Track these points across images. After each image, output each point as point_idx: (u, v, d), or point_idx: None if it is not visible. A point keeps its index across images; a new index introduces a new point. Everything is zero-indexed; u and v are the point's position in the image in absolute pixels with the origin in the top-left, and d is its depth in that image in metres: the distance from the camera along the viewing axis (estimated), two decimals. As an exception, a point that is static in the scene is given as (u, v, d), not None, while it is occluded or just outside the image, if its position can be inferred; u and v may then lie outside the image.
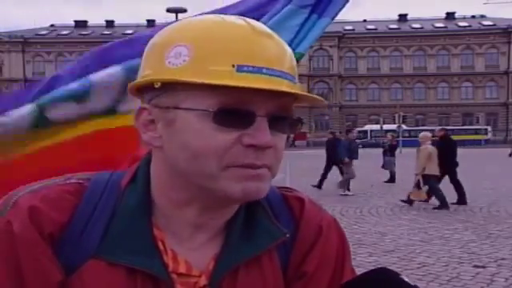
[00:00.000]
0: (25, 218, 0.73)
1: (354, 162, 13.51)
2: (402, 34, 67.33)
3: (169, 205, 0.78)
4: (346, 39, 66.99)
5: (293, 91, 0.73)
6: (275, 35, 0.77)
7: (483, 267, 5.94)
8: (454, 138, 13.62)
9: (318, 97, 0.77)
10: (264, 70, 0.71)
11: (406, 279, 0.77)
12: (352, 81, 67.63)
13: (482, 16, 70.65)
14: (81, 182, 0.81)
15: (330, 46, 65.81)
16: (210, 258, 0.80)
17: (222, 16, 0.77)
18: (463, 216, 9.45)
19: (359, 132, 57.01)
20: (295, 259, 0.84)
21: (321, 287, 0.83)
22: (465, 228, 8.29)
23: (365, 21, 71.69)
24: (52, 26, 72.21)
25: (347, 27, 68.16)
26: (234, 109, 0.70)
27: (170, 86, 0.72)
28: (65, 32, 69.15)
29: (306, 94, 0.75)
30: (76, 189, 0.79)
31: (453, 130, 57.09)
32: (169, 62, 0.72)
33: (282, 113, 0.74)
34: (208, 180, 0.73)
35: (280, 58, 0.74)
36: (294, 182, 15.04)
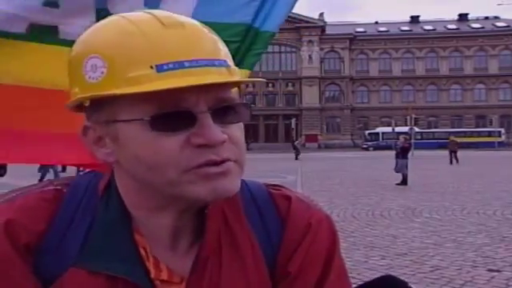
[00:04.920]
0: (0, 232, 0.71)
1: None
2: (414, 36, 66.97)
3: (143, 214, 0.75)
4: (358, 41, 66.75)
5: (218, 81, 0.67)
6: (188, 21, 0.71)
7: (498, 271, 5.85)
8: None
9: (249, 79, 0.73)
10: (186, 64, 0.66)
11: None
12: (363, 83, 67.34)
13: (496, 17, 70.03)
14: (59, 188, 0.78)
15: (342, 48, 65.65)
16: (191, 264, 0.76)
17: (124, 16, 0.72)
18: (476, 219, 9.34)
19: (370, 134, 57.22)
20: (282, 259, 0.81)
21: (307, 287, 0.80)
22: (478, 231, 8.19)
23: (376, 23, 71.39)
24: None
25: (358, 29, 67.97)
26: (169, 112, 0.66)
27: (100, 101, 0.69)
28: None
29: (234, 79, 0.70)
30: (54, 196, 0.77)
31: (465, 132, 57.00)
32: (89, 77, 0.68)
33: (224, 102, 0.70)
34: (171, 187, 0.69)
35: (200, 45, 0.69)
36: (306, 184, 14.99)
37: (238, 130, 0.72)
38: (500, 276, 5.67)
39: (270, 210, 0.83)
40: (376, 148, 51.67)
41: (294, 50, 63.75)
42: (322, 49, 64.35)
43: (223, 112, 0.70)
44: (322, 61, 64.98)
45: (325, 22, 64.88)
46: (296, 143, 34.98)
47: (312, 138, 60.98)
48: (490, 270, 5.89)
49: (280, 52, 63.68)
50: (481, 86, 65.84)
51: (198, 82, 0.65)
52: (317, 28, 63.07)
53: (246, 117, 0.74)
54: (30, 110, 1.32)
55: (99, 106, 0.70)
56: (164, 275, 0.75)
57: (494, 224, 8.81)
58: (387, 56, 67.38)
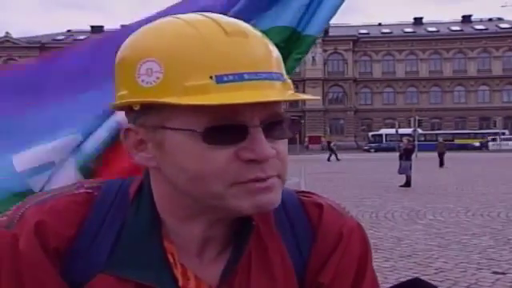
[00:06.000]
0: (30, 233, 0.70)
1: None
2: (418, 38, 66.87)
3: (175, 221, 0.74)
4: (361, 43, 66.70)
5: (282, 99, 0.67)
6: (250, 30, 0.69)
7: (503, 274, 5.82)
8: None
9: (309, 97, 0.71)
10: (246, 76, 0.64)
11: None
12: (367, 85, 67.28)
13: (499, 19, 69.83)
14: (90, 191, 0.77)
15: (345, 50, 65.62)
16: (219, 272, 0.75)
17: (183, 18, 0.69)
18: (481, 221, 9.30)
19: (373, 136, 57.10)
20: (313, 268, 0.79)
21: None
22: (483, 233, 8.15)
23: (380, 24, 71.33)
24: (69, 31, 72.97)
25: (362, 31, 67.93)
26: (222, 125, 0.65)
27: (149, 106, 0.67)
28: (81, 37, 69.56)
29: (297, 98, 0.69)
30: (85, 199, 0.76)
31: (469, 133, 56.88)
32: (142, 81, 0.66)
33: (275, 118, 0.69)
34: (215, 199, 0.68)
35: (261, 56, 0.67)
36: (309, 186, 14.96)
37: (284, 146, 0.71)
38: (505, 278, 5.64)
39: (301, 219, 0.82)
40: (377, 150, 51.59)
41: (297, 51, 63.60)
42: (325, 50, 64.29)
43: (273, 127, 0.68)
44: (325, 62, 64.97)
45: (328, 24, 64.80)
46: (332, 145, 35.52)
47: (315, 140, 60.91)
48: (495, 273, 5.86)
49: (283, 54, 63.62)
50: (484, 87, 65.71)
51: (258, 97, 0.64)
52: (320, 30, 62.98)
53: (294, 132, 0.72)
54: None
55: (148, 111, 0.68)
56: (192, 284, 0.74)
57: (499, 226, 8.76)
58: (391, 58, 67.32)
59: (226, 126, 0.65)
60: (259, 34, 0.71)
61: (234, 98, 0.62)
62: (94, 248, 0.73)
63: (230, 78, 0.63)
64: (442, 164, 24.70)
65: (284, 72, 0.71)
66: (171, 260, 0.74)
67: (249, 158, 0.65)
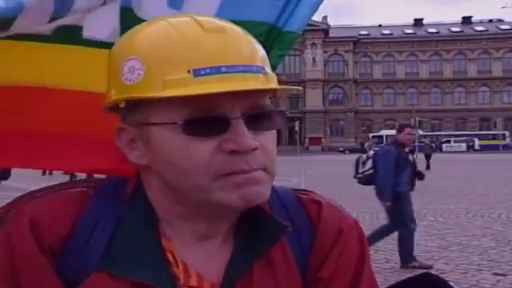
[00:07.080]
0: (25, 231, 0.70)
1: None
2: (418, 39, 66.96)
3: (172, 218, 0.75)
4: (361, 44, 66.78)
5: (256, 87, 0.68)
6: (229, 26, 0.71)
7: (503, 275, 5.79)
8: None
9: (288, 87, 0.73)
10: (223, 69, 0.66)
11: (456, 287, 0.74)
12: (367, 86, 67.35)
13: (500, 20, 69.89)
14: (85, 190, 0.77)
15: (345, 51, 65.69)
16: (220, 268, 0.75)
17: (166, 18, 0.73)
18: (481, 222, 9.28)
19: (374, 137, 57.14)
20: (314, 264, 0.79)
21: None
22: (483, 234, 8.13)
23: (380, 26, 71.38)
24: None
25: (362, 32, 67.99)
26: (202, 117, 0.66)
27: (135, 103, 0.69)
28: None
29: (273, 87, 0.70)
30: (80, 197, 0.76)
31: (469, 135, 56.91)
32: (126, 79, 0.69)
33: (258, 109, 0.69)
34: (202, 193, 0.69)
35: (240, 51, 0.69)
36: (310, 187, 14.92)
37: (270, 138, 0.71)
38: (505, 280, 5.61)
39: (301, 216, 0.82)
40: (353, 151, 51.86)
41: (297, 52, 63.73)
42: (325, 51, 64.40)
43: (257, 119, 0.69)
44: (325, 63, 65.08)
45: (328, 25, 64.87)
46: (366, 145, 35.79)
47: (315, 141, 60.94)
48: (496, 274, 5.83)
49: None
50: (485, 88, 65.79)
51: (233, 88, 0.65)
52: (320, 31, 63.00)
53: (279, 124, 0.73)
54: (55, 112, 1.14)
55: (134, 108, 0.70)
56: (193, 281, 0.74)
57: (499, 227, 8.73)
58: (391, 59, 67.41)
59: (206, 118, 0.66)
60: (239, 29, 0.72)
61: (208, 89, 0.64)
62: (89, 247, 0.72)
63: (207, 71, 0.65)
64: (428, 167, 23.73)
65: (266, 65, 0.71)
66: (171, 258, 0.73)
67: (231, 148, 0.66)
